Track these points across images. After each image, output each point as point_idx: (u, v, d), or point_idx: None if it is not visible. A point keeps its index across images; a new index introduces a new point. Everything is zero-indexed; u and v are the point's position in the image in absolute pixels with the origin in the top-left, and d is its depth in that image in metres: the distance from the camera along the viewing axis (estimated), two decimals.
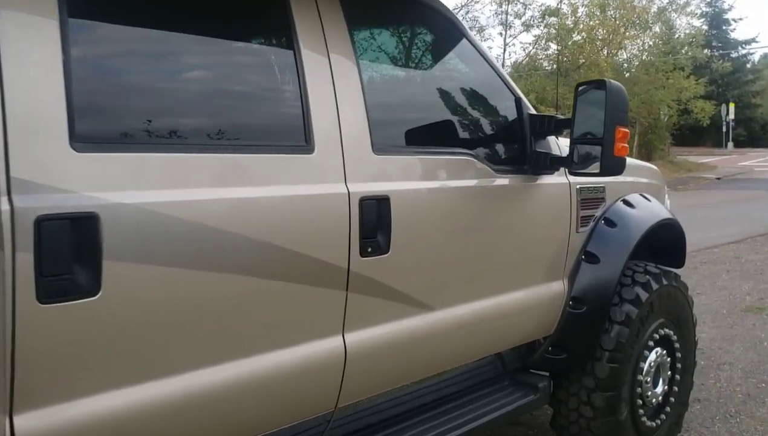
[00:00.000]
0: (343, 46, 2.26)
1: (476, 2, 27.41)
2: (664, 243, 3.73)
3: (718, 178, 24.79)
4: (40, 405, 1.56)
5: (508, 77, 2.92)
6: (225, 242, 1.84)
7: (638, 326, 3.25)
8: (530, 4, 24.46)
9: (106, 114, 1.76)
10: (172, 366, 1.79)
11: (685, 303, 3.62)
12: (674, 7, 29.69)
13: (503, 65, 24.80)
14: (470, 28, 22.91)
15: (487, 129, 2.98)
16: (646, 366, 3.33)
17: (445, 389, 2.85)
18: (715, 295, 7.15)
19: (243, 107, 2.11)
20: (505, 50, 25.54)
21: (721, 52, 46.33)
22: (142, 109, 1.84)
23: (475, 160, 2.63)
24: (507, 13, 24.30)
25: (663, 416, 3.50)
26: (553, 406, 3.33)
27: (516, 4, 24.48)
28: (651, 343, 3.37)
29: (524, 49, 26.16)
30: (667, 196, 4.21)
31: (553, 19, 24.51)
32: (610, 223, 3.27)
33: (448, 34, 2.81)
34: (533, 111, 2.95)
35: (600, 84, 2.65)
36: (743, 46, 51.17)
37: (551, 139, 3.01)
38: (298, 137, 2.10)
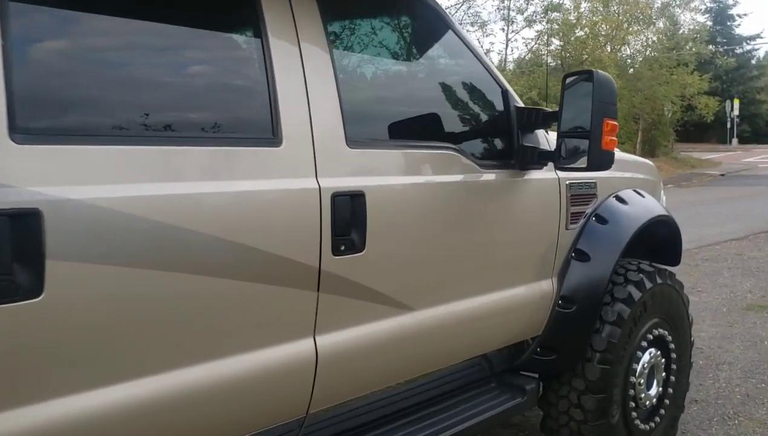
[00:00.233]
0: (316, 34, 2.15)
1: None
2: (660, 241, 3.63)
3: (722, 175, 24.71)
4: None
5: (494, 68, 2.82)
6: (183, 240, 1.74)
7: (631, 326, 3.15)
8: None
9: (50, 104, 1.65)
10: (125, 371, 1.69)
11: (681, 302, 3.51)
12: (678, 3, 29.57)
13: (505, 61, 24.71)
14: (472, 23, 22.85)
15: (472, 122, 2.88)
16: (639, 367, 3.23)
17: (426, 392, 2.75)
18: (716, 292, 7.04)
19: (203, 97, 1.99)
20: (507, 46, 25.43)
21: (725, 47, 46.21)
22: (89, 99, 1.73)
23: (459, 155, 2.53)
24: (509, 9, 24.16)
25: (657, 419, 3.40)
26: (543, 408, 3.23)
27: None
28: (644, 343, 3.26)
29: (526, 45, 26.06)
30: (663, 192, 4.11)
31: (555, 15, 24.38)
32: (601, 219, 3.17)
33: (430, 22, 2.70)
34: (521, 103, 2.85)
35: (588, 75, 2.55)
36: (748, 41, 51.15)
37: (540, 132, 2.91)
38: (264, 129, 1.99)
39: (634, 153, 24.93)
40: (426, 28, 2.76)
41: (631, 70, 27.78)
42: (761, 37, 59.02)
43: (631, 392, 3.22)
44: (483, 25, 24.02)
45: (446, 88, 2.78)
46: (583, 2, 25.51)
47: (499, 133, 2.80)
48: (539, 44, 25.11)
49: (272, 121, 1.99)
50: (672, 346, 3.44)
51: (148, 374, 1.73)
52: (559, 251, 3.00)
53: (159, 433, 1.79)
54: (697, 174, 24.70)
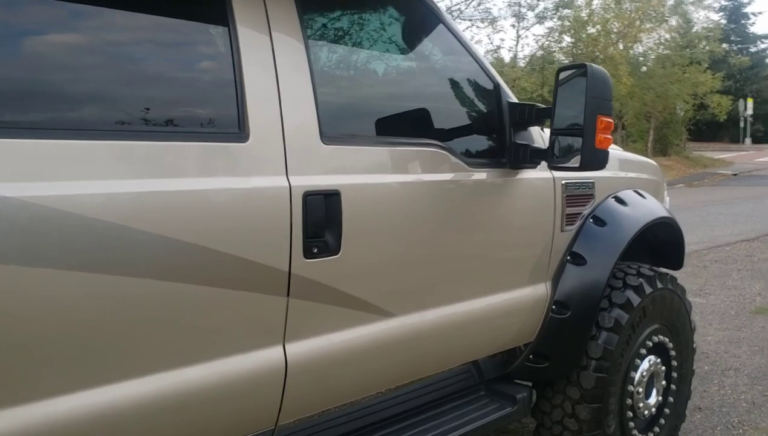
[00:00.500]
0: (290, 25, 2.03)
1: None
2: (662, 243, 3.49)
3: (734, 175, 24.42)
4: None
5: (486, 62, 2.67)
6: (134, 242, 1.62)
7: (629, 333, 3.02)
8: None
9: None
10: (72, 382, 1.58)
11: (682, 307, 3.37)
12: (691, 0, 29.22)
13: (516, 57, 24.49)
14: (482, 20, 22.62)
15: (461, 118, 2.72)
16: (637, 376, 3.10)
17: (409, 402, 2.62)
18: (724, 295, 6.88)
19: (161, 88, 1.86)
20: (517, 42, 25.20)
21: (739, 46, 45.74)
22: (32, 88, 1.61)
23: (445, 152, 2.40)
24: (520, 5, 23.87)
25: (657, 429, 3.27)
26: (536, 418, 3.11)
27: None
28: (643, 351, 3.13)
29: (537, 42, 25.81)
30: (666, 193, 3.96)
31: (567, 11, 24.12)
32: (599, 221, 3.03)
33: (414, 11, 2.56)
34: (514, 99, 2.71)
35: (582, 69, 2.41)
36: (762, 40, 50.56)
37: (535, 130, 2.78)
38: (229, 124, 1.87)
39: (646, 151, 24.78)
40: (410, 18, 2.61)
41: (644, 68, 27.45)
42: None
43: (629, 401, 3.08)
44: (493, 21, 23.72)
45: (432, 82, 2.65)
46: None
47: (489, 130, 2.66)
48: (550, 41, 24.84)
49: (238, 115, 1.87)
50: (673, 353, 3.31)
51: (95, 386, 1.61)
52: (553, 254, 2.87)
53: None
54: (709, 173, 24.42)
